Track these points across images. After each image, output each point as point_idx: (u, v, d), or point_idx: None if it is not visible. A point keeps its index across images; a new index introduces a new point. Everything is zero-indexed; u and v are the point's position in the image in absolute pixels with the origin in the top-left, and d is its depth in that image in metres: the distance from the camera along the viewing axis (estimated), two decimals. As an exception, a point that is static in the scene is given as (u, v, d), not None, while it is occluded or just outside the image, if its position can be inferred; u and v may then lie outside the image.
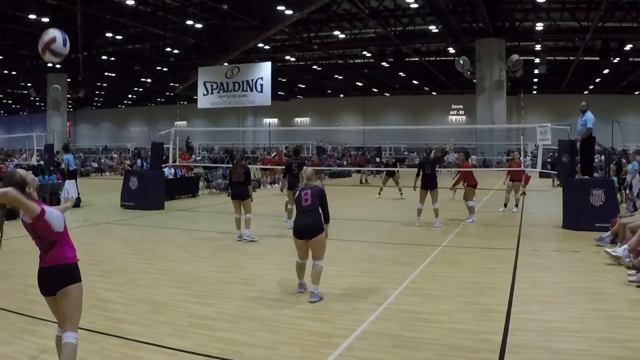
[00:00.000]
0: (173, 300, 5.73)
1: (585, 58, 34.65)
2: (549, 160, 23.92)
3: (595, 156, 15.28)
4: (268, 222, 12.13)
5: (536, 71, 40.51)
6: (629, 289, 6.10)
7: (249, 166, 10.79)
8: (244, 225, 9.43)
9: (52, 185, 13.94)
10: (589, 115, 10.79)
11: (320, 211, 5.91)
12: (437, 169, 11.92)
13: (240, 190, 9.49)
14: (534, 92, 46.32)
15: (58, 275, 3.60)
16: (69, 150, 15.86)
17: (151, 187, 14.27)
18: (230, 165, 18.07)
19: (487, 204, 15.95)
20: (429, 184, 11.23)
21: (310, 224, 5.76)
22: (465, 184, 12.58)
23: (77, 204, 14.63)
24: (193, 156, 29.25)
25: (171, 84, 44.46)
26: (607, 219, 9.49)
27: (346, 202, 16.19)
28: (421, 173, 11.47)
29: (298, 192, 6.03)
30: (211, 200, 16.97)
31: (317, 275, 5.76)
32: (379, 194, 17.33)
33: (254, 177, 22.72)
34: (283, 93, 50.90)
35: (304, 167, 6.63)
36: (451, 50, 35.12)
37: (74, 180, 15.19)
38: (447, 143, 12.57)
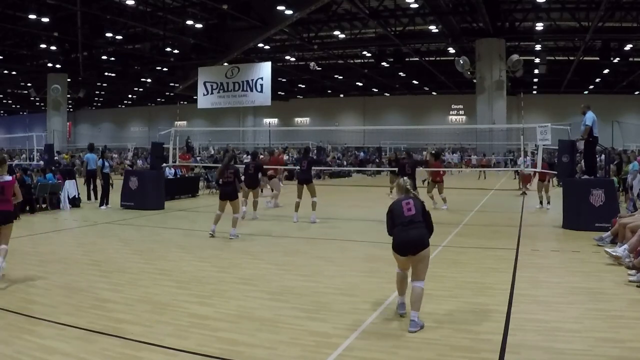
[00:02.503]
0: (173, 300, 5.73)
1: (585, 58, 34.64)
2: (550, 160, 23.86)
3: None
4: (268, 222, 12.13)
5: (536, 71, 40.49)
6: (629, 289, 6.10)
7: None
8: (231, 224, 9.74)
9: (52, 185, 13.93)
10: (589, 114, 10.79)
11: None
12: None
13: (228, 189, 9.86)
14: (534, 92, 46.31)
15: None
16: (93, 149, 15.82)
17: (151, 187, 14.26)
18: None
19: (487, 204, 15.94)
20: None
21: (415, 238, 4.99)
22: (431, 179, 14.67)
23: (77, 204, 14.63)
24: (194, 157, 29.19)
25: (171, 84, 44.47)
26: (607, 219, 9.47)
27: (346, 202, 16.18)
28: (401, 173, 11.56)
29: (397, 202, 5.25)
30: (211, 200, 16.91)
31: (419, 299, 4.87)
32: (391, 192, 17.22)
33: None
34: (283, 93, 50.89)
35: (403, 178, 5.68)
36: (451, 50, 35.12)
37: (74, 181, 15.19)
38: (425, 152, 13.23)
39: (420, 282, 4.95)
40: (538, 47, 34.25)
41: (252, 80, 29.20)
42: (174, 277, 6.80)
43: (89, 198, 15.31)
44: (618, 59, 33.14)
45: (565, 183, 11.29)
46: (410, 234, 4.99)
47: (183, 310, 5.37)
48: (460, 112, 50.85)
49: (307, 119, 56.00)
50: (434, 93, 50.84)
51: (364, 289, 6.20)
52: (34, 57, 37.06)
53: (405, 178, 5.63)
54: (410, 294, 4.93)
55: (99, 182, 15.12)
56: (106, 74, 41.87)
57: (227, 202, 9.81)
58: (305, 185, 11.90)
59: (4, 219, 6.48)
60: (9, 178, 6.62)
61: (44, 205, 13.68)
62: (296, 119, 56.46)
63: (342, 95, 55.11)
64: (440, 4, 27.00)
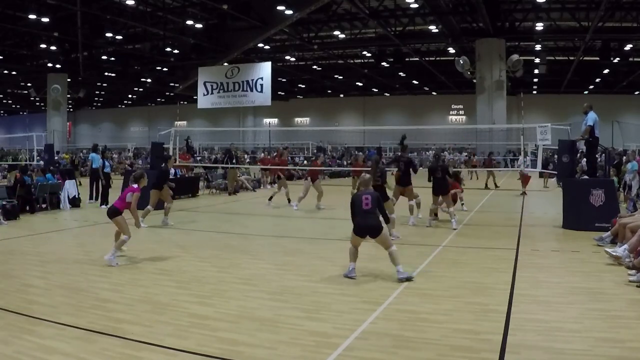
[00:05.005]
0: (173, 300, 5.72)
1: (585, 58, 34.65)
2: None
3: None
4: (269, 222, 12.14)
5: (536, 71, 40.51)
6: (629, 289, 6.10)
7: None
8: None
9: (52, 185, 13.93)
10: (591, 114, 10.79)
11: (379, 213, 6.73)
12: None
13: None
14: (534, 92, 46.32)
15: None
16: (96, 150, 15.83)
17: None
18: (229, 166, 18.20)
19: (487, 204, 15.93)
20: (440, 189, 10.97)
21: (371, 224, 6.55)
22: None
23: (77, 204, 14.62)
24: (194, 157, 29.18)
25: (171, 84, 44.48)
26: (607, 219, 9.46)
27: (346, 202, 16.15)
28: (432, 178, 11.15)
29: (358, 195, 6.75)
30: (211, 200, 16.97)
31: (396, 257, 6.48)
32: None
33: (254, 177, 22.73)
34: (283, 93, 50.90)
35: (362, 174, 7.19)
36: (451, 50, 35.13)
37: (74, 180, 15.19)
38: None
39: (391, 247, 6.53)
40: (538, 47, 34.26)
41: (252, 80, 29.19)
42: (174, 277, 6.80)
43: (90, 198, 15.30)
44: (618, 59, 33.14)
45: (565, 183, 11.28)
46: (368, 222, 6.57)
47: (183, 310, 5.37)
48: (460, 112, 50.87)
49: (307, 119, 56.01)
50: (434, 93, 50.85)
51: (364, 289, 6.20)
52: (34, 57, 37.07)
53: (364, 174, 7.20)
54: (390, 257, 6.50)
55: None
56: (106, 74, 41.89)
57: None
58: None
59: (109, 214, 7.89)
60: (135, 186, 8.10)
61: (44, 205, 13.67)
62: (296, 119, 56.47)
63: (342, 95, 55.13)
64: (440, 4, 27.00)
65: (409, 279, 6.39)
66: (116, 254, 7.63)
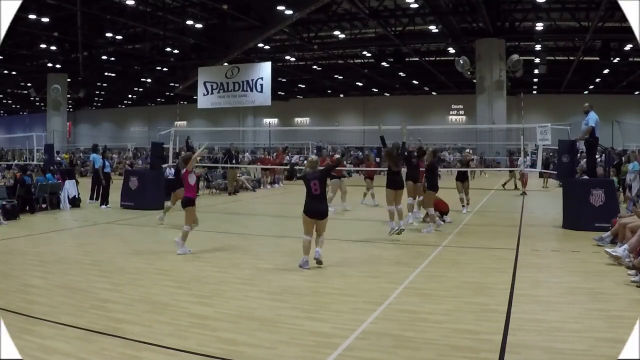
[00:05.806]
0: (173, 300, 5.73)
1: (585, 58, 34.62)
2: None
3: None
4: (269, 222, 12.13)
5: (536, 71, 40.47)
6: (629, 289, 6.10)
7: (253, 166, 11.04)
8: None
9: (52, 185, 13.93)
10: (592, 115, 10.79)
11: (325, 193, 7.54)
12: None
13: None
14: (534, 92, 46.29)
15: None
16: (96, 150, 15.86)
17: (151, 187, 14.25)
18: (229, 166, 18.19)
19: (487, 204, 15.94)
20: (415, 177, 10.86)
21: (321, 209, 7.33)
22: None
23: (77, 204, 14.62)
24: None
25: (171, 84, 44.47)
26: (607, 219, 9.47)
27: (346, 202, 16.14)
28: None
29: (308, 180, 7.31)
30: (211, 200, 16.95)
31: (322, 242, 7.38)
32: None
33: (254, 177, 22.74)
34: (283, 93, 50.89)
35: (310, 157, 8.05)
36: (451, 50, 35.11)
37: (74, 180, 15.19)
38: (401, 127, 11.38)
39: (322, 236, 7.39)
40: (538, 47, 34.23)
41: (252, 80, 29.18)
42: (174, 277, 6.80)
43: (91, 198, 15.30)
44: (618, 59, 33.12)
45: (565, 183, 11.28)
46: (318, 206, 7.29)
47: (183, 310, 5.37)
48: (460, 112, 50.82)
49: (307, 119, 55.96)
50: (434, 93, 50.82)
51: (364, 289, 6.20)
52: (34, 57, 37.04)
53: (312, 156, 7.96)
54: (318, 240, 7.31)
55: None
56: (106, 74, 41.87)
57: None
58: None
59: (185, 204, 8.25)
60: (186, 169, 8.30)
61: (44, 205, 13.67)
62: (296, 119, 56.41)
63: (342, 95, 55.10)
64: (440, 4, 26.98)
65: (319, 263, 7.17)
66: (183, 245, 8.16)
